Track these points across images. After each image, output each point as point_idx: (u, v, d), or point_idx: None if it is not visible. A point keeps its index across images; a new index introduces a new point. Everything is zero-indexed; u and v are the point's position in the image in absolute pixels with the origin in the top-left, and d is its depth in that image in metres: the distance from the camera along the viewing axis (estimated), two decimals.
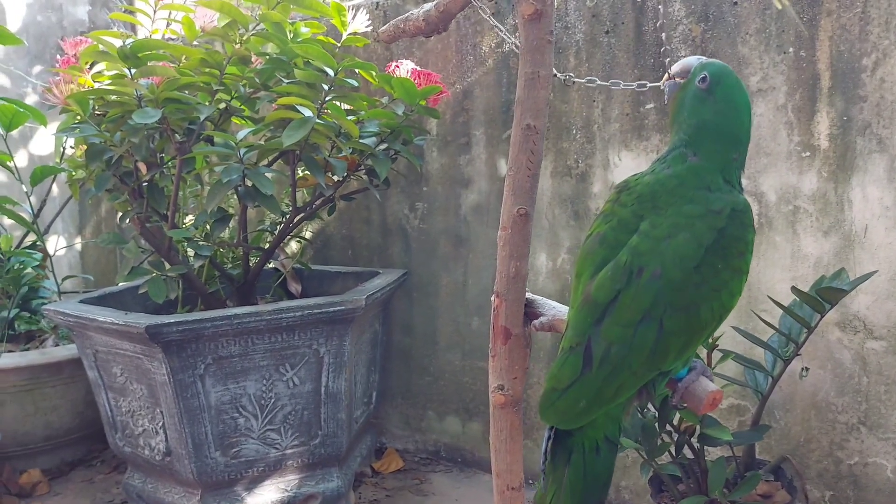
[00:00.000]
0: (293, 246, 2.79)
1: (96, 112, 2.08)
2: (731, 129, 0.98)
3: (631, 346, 0.90)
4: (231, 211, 2.26)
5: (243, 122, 2.20)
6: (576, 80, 1.05)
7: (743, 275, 0.94)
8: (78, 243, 3.49)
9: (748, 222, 0.95)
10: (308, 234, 2.77)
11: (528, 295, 1.04)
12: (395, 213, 2.57)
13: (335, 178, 2.08)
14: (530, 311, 1.03)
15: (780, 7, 1.63)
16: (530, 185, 0.96)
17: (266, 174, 1.88)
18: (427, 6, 1.11)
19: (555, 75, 0.97)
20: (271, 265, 2.55)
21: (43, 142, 3.32)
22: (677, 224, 0.92)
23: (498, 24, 1.02)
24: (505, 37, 1.03)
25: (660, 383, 0.95)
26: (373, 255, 2.65)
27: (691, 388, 0.93)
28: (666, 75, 1.06)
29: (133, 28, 3.24)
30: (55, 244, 3.35)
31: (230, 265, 2.42)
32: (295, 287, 2.55)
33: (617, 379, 0.90)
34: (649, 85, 1.05)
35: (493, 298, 1.02)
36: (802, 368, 1.81)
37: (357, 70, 2.10)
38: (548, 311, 1.02)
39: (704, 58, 1.03)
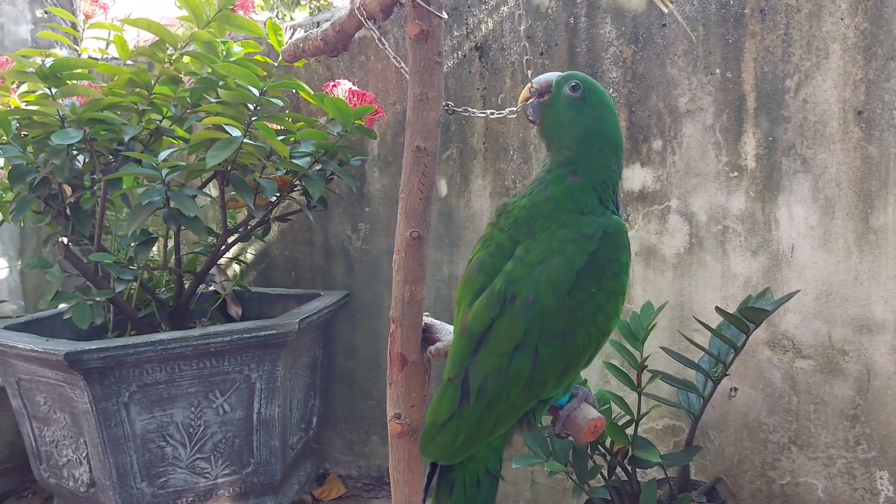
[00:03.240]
0: (235, 268, 2.74)
1: (22, 133, 2.02)
2: (611, 134, 0.96)
3: (507, 376, 0.87)
4: (159, 234, 2.21)
5: (176, 142, 2.16)
6: (455, 109, 1.02)
7: (619, 297, 0.92)
8: (7, 268, 3.39)
9: (622, 244, 0.93)
10: (249, 257, 2.73)
11: (427, 319, 1.01)
12: (337, 235, 2.54)
13: (267, 199, 2.05)
14: (429, 337, 1.01)
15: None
16: (423, 208, 0.94)
17: (192, 196, 1.84)
18: (325, 26, 1.09)
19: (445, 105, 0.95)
20: (211, 288, 2.50)
21: None
22: (550, 249, 0.90)
23: (388, 48, 1.00)
24: (393, 60, 1.01)
25: (540, 411, 0.92)
26: (316, 276, 2.61)
27: (572, 416, 0.91)
28: (525, 95, 1.03)
29: (76, 49, 3.19)
30: None
31: (164, 289, 2.37)
32: (235, 310, 2.50)
33: (494, 411, 0.87)
34: (516, 111, 1.03)
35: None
36: (731, 389, 1.80)
37: (295, 90, 2.08)
38: (445, 337, 0.99)
39: (558, 73, 1.01)
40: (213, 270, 2.47)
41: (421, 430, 1.00)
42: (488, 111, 1.07)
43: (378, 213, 2.44)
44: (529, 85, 1.00)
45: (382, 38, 0.99)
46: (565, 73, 1.00)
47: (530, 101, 1.01)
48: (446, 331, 1.01)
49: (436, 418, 0.89)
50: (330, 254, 2.57)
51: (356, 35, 1.14)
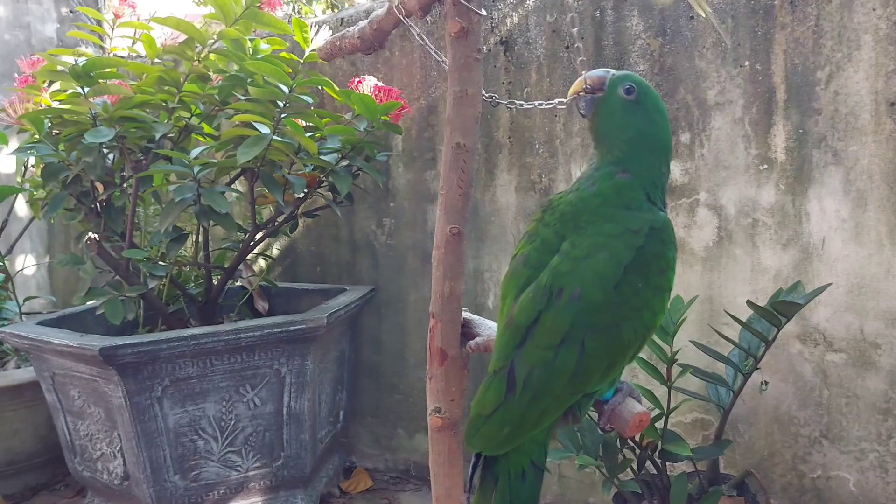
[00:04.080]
0: (261, 263, 2.76)
1: (54, 132, 2.05)
2: (662, 138, 0.98)
3: (552, 370, 0.88)
4: (190, 230, 2.24)
5: (204, 139, 2.18)
6: (499, 101, 1.03)
7: (665, 292, 0.93)
8: (35, 265, 3.44)
9: (668, 240, 0.93)
10: (275, 252, 2.75)
11: (466, 315, 1.02)
12: (362, 230, 2.56)
13: (295, 195, 2.06)
14: (467, 332, 1.02)
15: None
16: (462, 204, 0.94)
17: (222, 192, 1.86)
18: (362, 23, 1.10)
19: (485, 97, 0.96)
20: (237, 283, 2.52)
21: (5, 161, 3.28)
22: (596, 244, 0.91)
23: (428, 43, 1.01)
24: (434, 54, 1.01)
25: (585, 406, 0.93)
26: (341, 271, 2.63)
27: (617, 410, 0.91)
28: (577, 88, 1.02)
29: (103, 47, 3.22)
30: (22, 264, 3.31)
31: (193, 285, 2.40)
32: (262, 305, 2.53)
33: (539, 403, 0.88)
34: (564, 102, 1.03)
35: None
36: (762, 382, 1.80)
37: (320, 87, 2.09)
38: (484, 332, 1.00)
39: (611, 70, 1.01)
40: (241, 266, 2.49)
41: (460, 425, 1.01)
42: (535, 102, 1.08)
43: (403, 207, 2.45)
44: (583, 79, 1.00)
45: (422, 35, 1.00)
46: (619, 73, 1.00)
47: (582, 95, 1.00)
48: (485, 326, 1.01)
49: (481, 410, 0.90)
50: (355, 249, 2.58)
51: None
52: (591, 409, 0.96)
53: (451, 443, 0.99)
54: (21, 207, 3.19)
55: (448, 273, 0.96)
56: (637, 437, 1.73)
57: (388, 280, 2.51)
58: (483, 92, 0.94)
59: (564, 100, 1.03)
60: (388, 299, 2.51)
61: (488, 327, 1.01)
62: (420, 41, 0.97)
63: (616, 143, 0.97)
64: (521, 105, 1.04)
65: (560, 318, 0.89)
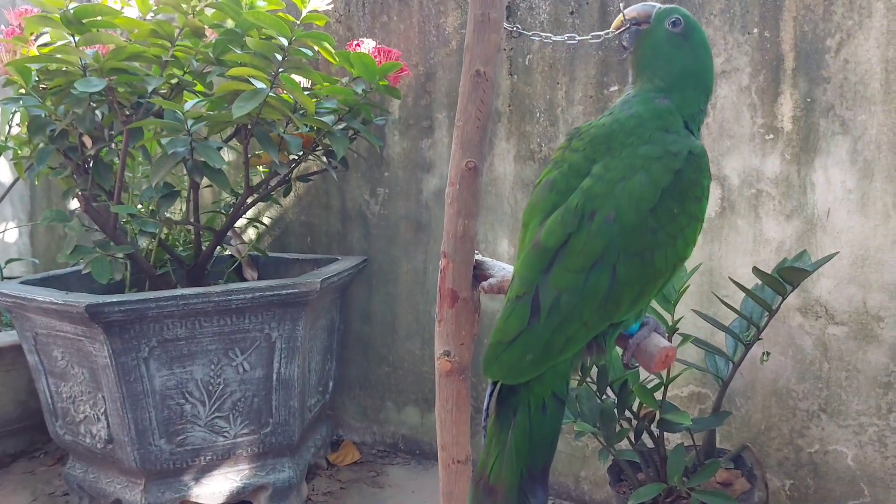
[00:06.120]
0: (251, 233, 2.71)
1: (41, 86, 1.98)
2: (706, 76, 0.96)
3: (582, 295, 0.84)
4: (182, 192, 2.18)
5: (196, 97, 2.11)
6: (522, 32, 1.01)
7: (699, 222, 0.90)
8: (17, 227, 3.35)
9: (705, 167, 0.90)
10: (266, 221, 2.70)
11: (477, 256, 0.98)
12: (355, 199, 2.51)
13: (290, 156, 2.01)
14: (479, 274, 0.98)
15: None
16: (480, 138, 0.90)
17: (217, 147, 1.80)
18: None
19: (507, 27, 0.92)
20: (227, 252, 2.47)
21: None
22: (633, 166, 0.88)
23: None
24: None
25: (611, 337, 0.90)
26: (332, 241, 2.58)
27: (643, 344, 0.88)
28: (618, 23, 1.01)
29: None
30: (2, 228, 3.23)
31: (181, 249, 2.34)
32: (251, 274, 2.47)
33: (566, 330, 0.85)
34: (604, 35, 1.01)
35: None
36: (764, 353, 1.78)
37: (323, 42, 2.03)
38: (497, 273, 0.96)
39: (657, 3, 0.99)
40: (230, 234, 2.44)
41: (469, 370, 0.97)
42: (566, 36, 1.04)
43: (397, 177, 2.40)
44: (623, 15, 0.99)
45: None
46: (666, 5, 0.99)
47: (625, 28, 0.99)
48: (498, 267, 0.98)
49: (502, 337, 0.86)
50: (347, 219, 2.54)
51: None
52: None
53: (461, 388, 0.96)
54: (3, 171, 3.11)
55: (462, 210, 0.92)
56: (635, 407, 1.71)
57: (379, 251, 2.47)
58: (505, 23, 0.90)
59: (606, 32, 1.02)
60: (380, 270, 2.47)
61: (501, 268, 0.97)
62: None
63: (658, 73, 0.95)
64: (550, 38, 1.01)
65: (592, 241, 0.85)
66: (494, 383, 0.90)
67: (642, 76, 0.97)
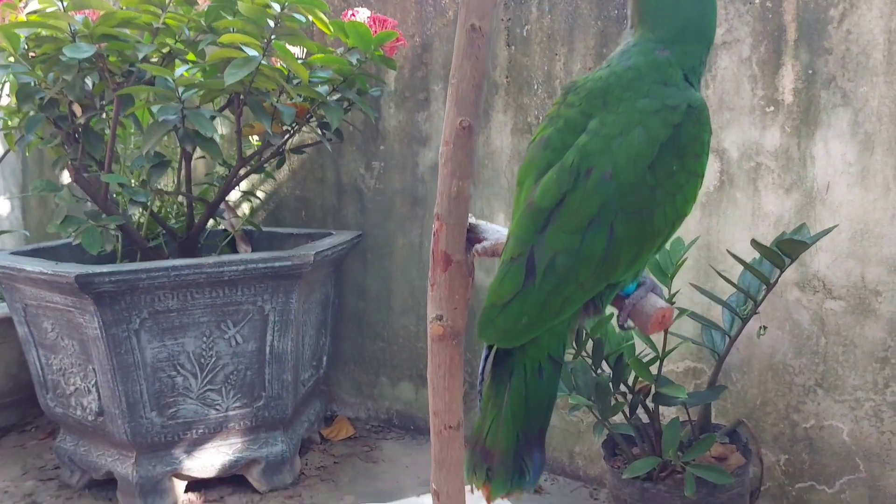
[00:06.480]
0: (245, 207, 2.68)
1: (30, 54, 1.95)
2: (709, 28, 0.93)
3: (578, 255, 0.82)
4: (174, 164, 2.15)
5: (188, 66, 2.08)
6: None
7: (698, 178, 0.87)
8: (8, 199, 3.32)
9: (704, 121, 0.88)
10: (260, 195, 2.67)
11: (471, 219, 0.96)
12: (350, 173, 2.48)
13: (283, 126, 1.98)
14: (473, 237, 0.96)
15: None
16: (475, 96, 0.88)
17: (209, 116, 1.77)
18: None
19: None
20: (221, 227, 2.44)
21: None
22: (630, 121, 0.85)
23: None
24: None
25: (607, 298, 0.88)
26: (327, 216, 2.56)
27: (639, 305, 0.86)
28: None
29: None
30: None
31: (174, 221, 2.31)
32: (244, 248, 2.45)
33: (563, 291, 0.83)
34: None
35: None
36: (760, 327, 1.76)
37: (316, 9, 2.00)
38: (491, 236, 0.94)
39: None
40: (224, 208, 2.41)
41: (462, 335, 0.95)
42: None
43: (393, 150, 2.38)
44: None
45: None
46: None
47: None
48: (492, 230, 0.96)
49: (496, 299, 0.84)
50: (342, 193, 2.51)
51: None
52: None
53: (454, 353, 0.94)
54: None
55: (457, 171, 0.89)
56: (630, 381, 1.70)
57: (374, 225, 2.44)
58: None
59: None
60: (375, 245, 2.45)
61: (496, 231, 0.95)
62: None
63: (660, 21, 0.92)
64: None
65: (588, 199, 0.83)
66: (490, 347, 0.89)
67: (644, 23, 0.93)
